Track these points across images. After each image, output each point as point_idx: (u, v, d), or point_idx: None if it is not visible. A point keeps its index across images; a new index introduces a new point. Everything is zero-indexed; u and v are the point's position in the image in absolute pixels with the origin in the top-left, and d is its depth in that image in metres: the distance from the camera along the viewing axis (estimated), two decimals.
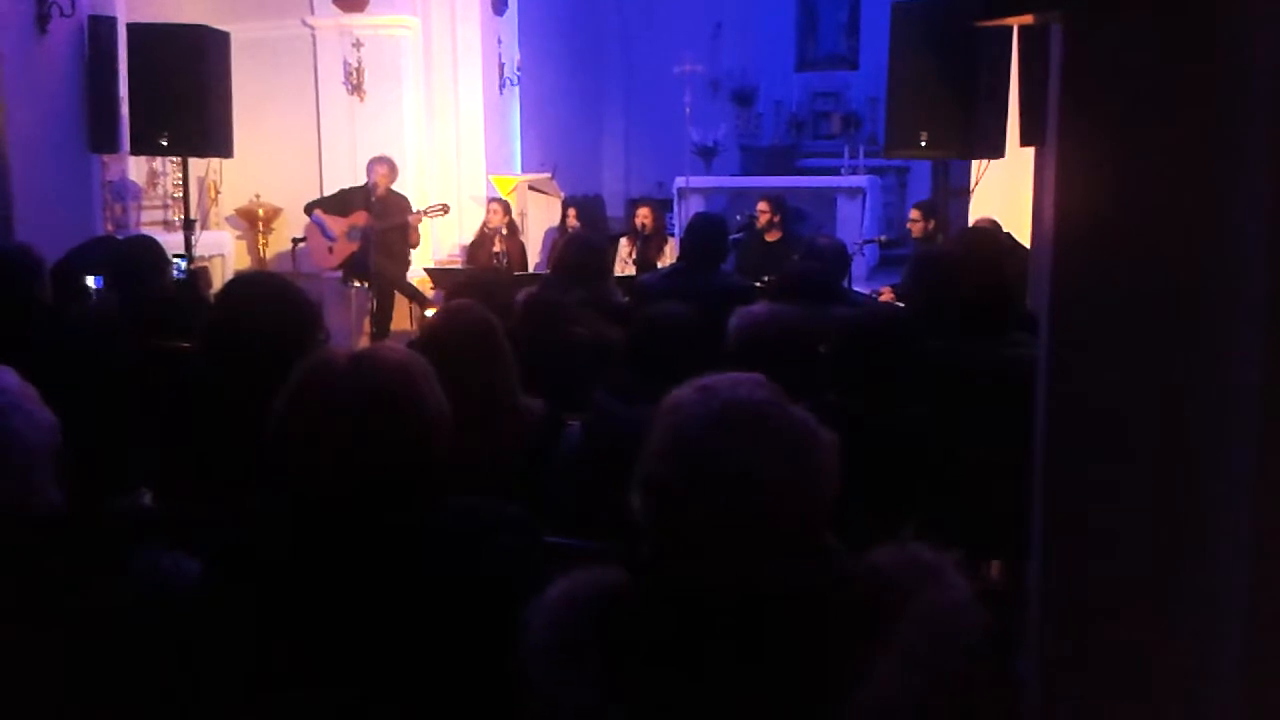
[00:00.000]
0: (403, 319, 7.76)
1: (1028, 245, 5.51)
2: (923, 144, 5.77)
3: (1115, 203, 1.09)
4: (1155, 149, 1.08)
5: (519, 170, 10.09)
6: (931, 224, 6.53)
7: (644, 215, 7.75)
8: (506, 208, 8.12)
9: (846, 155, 11.94)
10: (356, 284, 7.53)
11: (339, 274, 7.66)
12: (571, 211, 8.64)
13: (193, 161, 6.68)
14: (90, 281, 4.43)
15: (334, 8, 8.92)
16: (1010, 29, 5.08)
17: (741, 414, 1.39)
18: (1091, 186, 1.10)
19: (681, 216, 10.22)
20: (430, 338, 2.71)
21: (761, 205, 7.25)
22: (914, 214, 6.85)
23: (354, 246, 7.50)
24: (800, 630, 1.32)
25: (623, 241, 7.89)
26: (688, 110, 10.99)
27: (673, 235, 8.06)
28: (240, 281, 2.83)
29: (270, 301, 2.48)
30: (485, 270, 7.22)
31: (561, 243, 5.66)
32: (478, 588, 1.54)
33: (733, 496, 1.34)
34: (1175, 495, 1.10)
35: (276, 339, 2.35)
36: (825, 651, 1.31)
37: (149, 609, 1.57)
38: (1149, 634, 1.12)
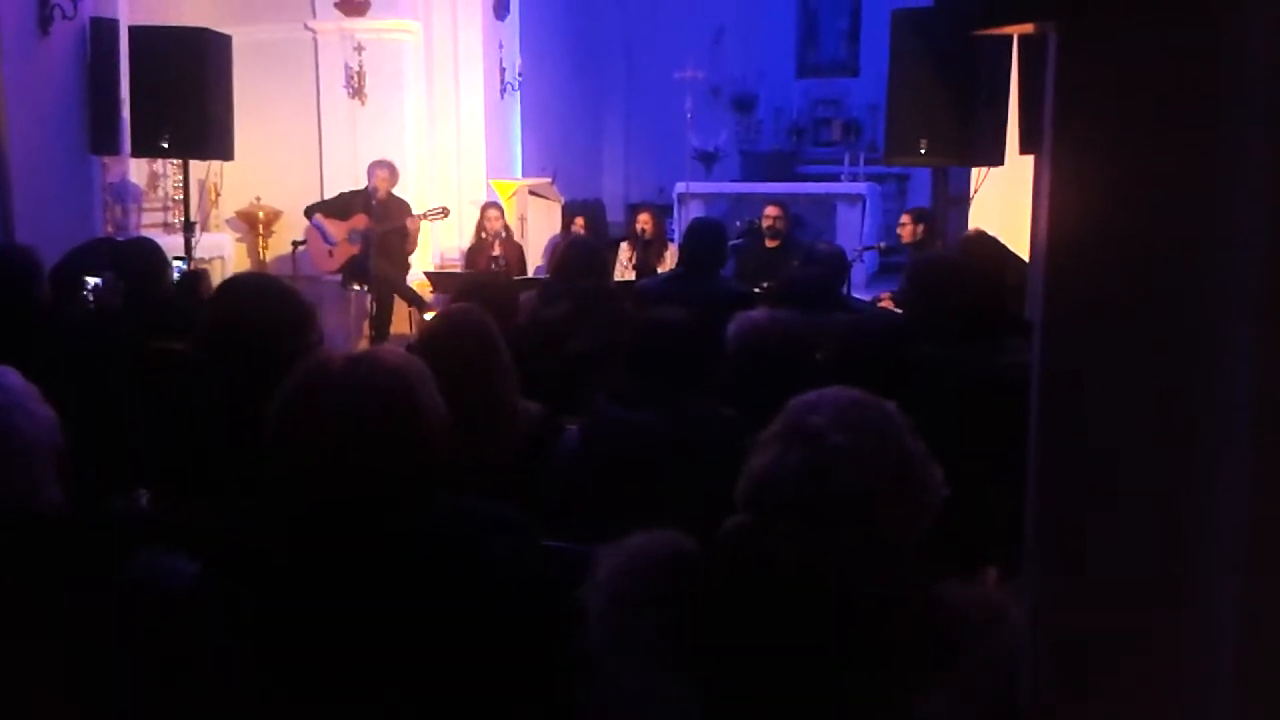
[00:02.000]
0: (402, 322, 7.76)
1: (1024, 253, 5.52)
2: (922, 151, 5.78)
3: (1109, 209, 1.10)
4: (1150, 158, 1.09)
5: (519, 175, 10.09)
6: (921, 229, 6.50)
7: (644, 220, 7.76)
8: (502, 212, 8.13)
9: (847, 162, 11.96)
10: (356, 287, 7.53)
11: (339, 277, 7.67)
12: (579, 220, 8.64)
13: (193, 164, 6.70)
14: (90, 282, 4.42)
15: (336, 11, 8.93)
16: (1010, 36, 5.09)
17: (869, 424, 1.47)
18: (1085, 194, 1.11)
19: (682, 222, 10.22)
20: (428, 341, 2.72)
21: (773, 210, 7.30)
22: (904, 219, 6.79)
23: (354, 250, 7.51)
24: (866, 635, 1.36)
25: (623, 246, 7.90)
26: (688, 116, 10.98)
27: (673, 240, 8.06)
28: (232, 282, 2.84)
29: (262, 300, 2.48)
30: (486, 273, 7.22)
31: (562, 245, 5.67)
32: (475, 590, 1.55)
33: (841, 497, 1.41)
34: (1170, 501, 1.10)
35: (269, 338, 2.36)
36: (885, 660, 1.36)
37: (147, 609, 1.57)
38: (1144, 639, 1.12)
